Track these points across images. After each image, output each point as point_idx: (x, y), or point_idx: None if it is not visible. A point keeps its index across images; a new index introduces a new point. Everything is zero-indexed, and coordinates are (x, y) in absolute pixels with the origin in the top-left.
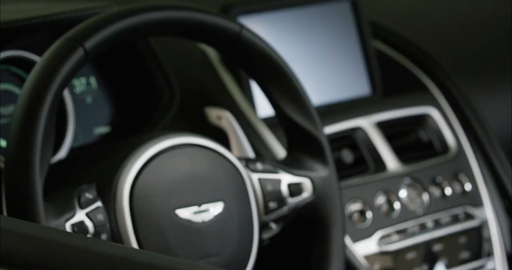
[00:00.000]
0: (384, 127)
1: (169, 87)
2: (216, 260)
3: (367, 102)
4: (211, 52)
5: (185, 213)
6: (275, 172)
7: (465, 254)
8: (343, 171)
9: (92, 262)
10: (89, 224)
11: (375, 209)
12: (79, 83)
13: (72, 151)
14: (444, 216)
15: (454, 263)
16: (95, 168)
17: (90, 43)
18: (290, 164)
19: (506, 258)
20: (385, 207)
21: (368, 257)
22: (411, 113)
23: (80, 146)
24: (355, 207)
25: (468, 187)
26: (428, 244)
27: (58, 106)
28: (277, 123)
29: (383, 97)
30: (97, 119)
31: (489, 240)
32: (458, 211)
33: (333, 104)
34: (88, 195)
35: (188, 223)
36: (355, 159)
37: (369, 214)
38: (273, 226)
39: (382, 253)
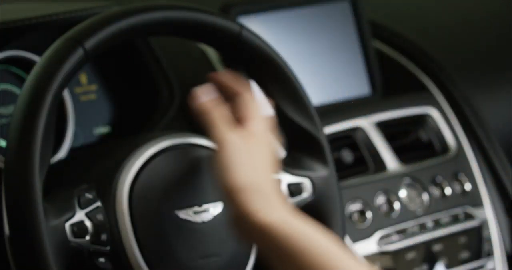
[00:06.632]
0: (384, 127)
1: (169, 87)
2: (216, 260)
3: (367, 102)
4: (211, 52)
5: (185, 213)
6: None
7: (465, 254)
8: (343, 171)
9: None
10: (88, 224)
11: (375, 209)
12: (79, 83)
13: (72, 151)
14: (444, 216)
15: (454, 263)
16: (95, 168)
17: (90, 43)
18: (290, 164)
19: (506, 258)
20: (385, 207)
21: (368, 257)
22: (411, 113)
23: (80, 146)
24: (355, 207)
25: (468, 187)
26: (428, 244)
27: (58, 106)
28: (277, 123)
29: (383, 97)
30: (97, 119)
31: (489, 240)
32: (458, 211)
33: (333, 104)
34: (88, 195)
35: (187, 223)
36: (355, 159)
37: (369, 214)
38: None
39: (382, 253)
